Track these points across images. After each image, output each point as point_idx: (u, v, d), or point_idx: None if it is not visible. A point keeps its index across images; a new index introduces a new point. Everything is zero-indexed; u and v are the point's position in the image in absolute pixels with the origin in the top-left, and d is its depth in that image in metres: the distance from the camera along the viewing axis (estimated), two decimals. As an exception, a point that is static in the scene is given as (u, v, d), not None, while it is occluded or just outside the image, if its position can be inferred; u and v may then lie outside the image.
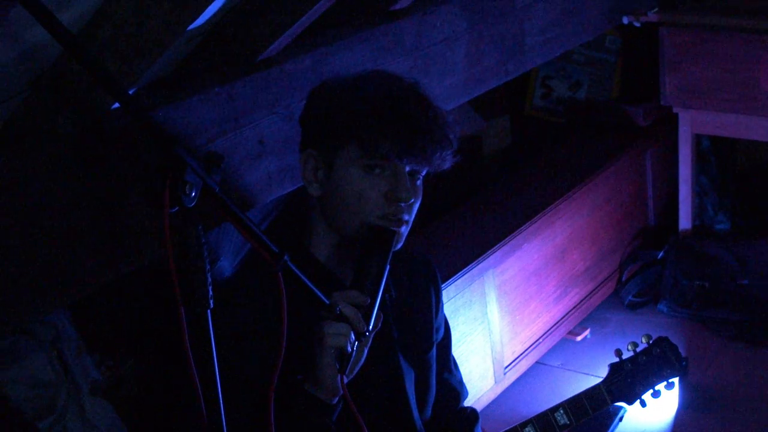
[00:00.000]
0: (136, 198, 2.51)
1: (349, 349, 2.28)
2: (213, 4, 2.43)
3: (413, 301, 2.79)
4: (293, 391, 2.31)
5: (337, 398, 2.34)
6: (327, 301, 2.24)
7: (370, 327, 2.32)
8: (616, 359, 3.14)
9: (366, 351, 2.35)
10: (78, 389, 2.98)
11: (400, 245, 2.53)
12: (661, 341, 3.17)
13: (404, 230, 2.52)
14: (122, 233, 2.52)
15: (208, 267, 1.90)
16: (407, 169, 2.48)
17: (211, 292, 1.90)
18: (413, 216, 2.55)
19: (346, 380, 2.30)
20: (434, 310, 2.85)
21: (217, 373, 1.93)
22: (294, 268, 2.10)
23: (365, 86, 2.51)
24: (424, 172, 2.54)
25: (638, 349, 3.14)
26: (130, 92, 2.66)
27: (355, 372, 2.35)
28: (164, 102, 2.68)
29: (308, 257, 2.58)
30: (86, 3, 2.22)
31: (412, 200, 2.50)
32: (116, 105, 2.53)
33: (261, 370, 2.26)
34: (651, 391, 3.12)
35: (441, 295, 2.91)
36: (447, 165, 2.55)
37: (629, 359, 3.13)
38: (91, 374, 3.04)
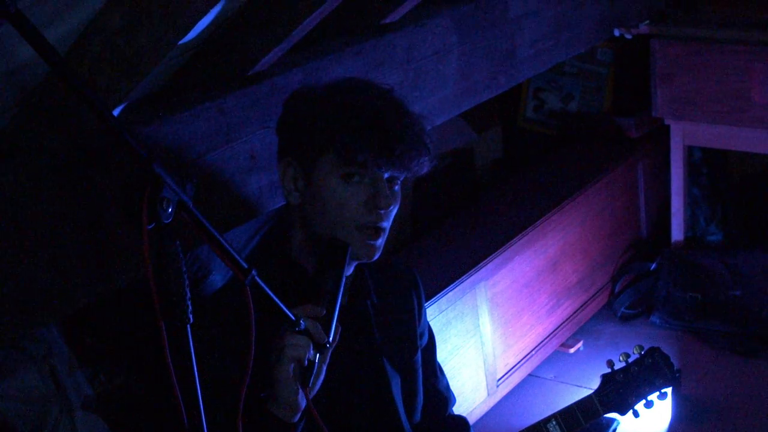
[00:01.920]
0: (118, 215, 2.51)
1: (307, 362, 2.26)
2: (204, 18, 2.43)
3: (395, 307, 2.80)
4: (255, 410, 2.29)
5: (298, 416, 2.31)
6: (293, 318, 2.23)
7: (330, 338, 2.31)
8: (608, 370, 3.14)
9: (325, 367, 2.33)
10: (69, 404, 2.97)
11: (377, 257, 2.56)
12: (653, 351, 3.16)
13: (382, 240, 2.54)
14: (107, 251, 2.52)
15: (186, 282, 1.90)
16: (386, 175, 2.49)
17: (190, 307, 1.90)
18: (391, 222, 2.56)
19: (310, 395, 2.28)
20: (417, 315, 2.86)
21: (198, 386, 1.93)
22: (262, 284, 2.10)
23: (340, 94, 2.52)
24: (401, 178, 2.55)
25: (630, 360, 3.14)
26: (121, 107, 2.66)
27: (317, 389, 2.32)
28: (154, 117, 2.68)
29: (293, 265, 2.59)
30: (76, 18, 2.22)
31: (392, 207, 2.51)
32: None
33: (232, 386, 2.26)
34: (644, 401, 3.12)
35: (423, 300, 2.91)
36: (425, 170, 2.55)
37: (621, 370, 3.13)
38: (83, 389, 3.03)
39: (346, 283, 2.62)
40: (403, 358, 2.77)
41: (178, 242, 1.91)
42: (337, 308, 2.36)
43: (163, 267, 1.90)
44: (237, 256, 2.06)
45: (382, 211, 2.48)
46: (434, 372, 2.96)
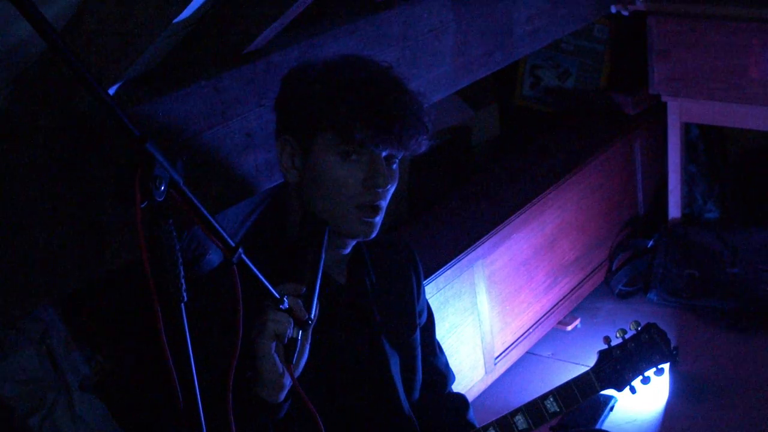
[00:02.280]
0: (111, 195, 2.50)
1: (288, 339, 2.25)
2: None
3: (394, 285, 2.80)
4: (243, 390, 2.28)
5: (283, 395, 2.30)
6: (278, 295, 2.22)
7: (312, 315, 2.30)
8: (605, 346, 3.14)
9: (308, 345, 2.32)
10: (67, 385, 2.97)
11: (374, 235, 2.56)
12: (650, 327, 3.16)
13: (379, 218, 2.54)
14: (101, 231, 2.52)
15: (180, 261, 1.89)
16: (384, 154, 2.48)
17: (185, 286, 1.89)
18: (388, 200, 2.56)
19: (295, 373, 2.28)
20: (416, 293, 2.86)
21: (193, 365, 1.93)
22: (248, 262, 2.09)
23: (339, 71, 2.51)
24: (399, 156, 2.55)
25: (627, 336, 3.14)
26: (116, 86, 2.65)
27: (301, 366, 2.31)
28: (150, 96, 2.67)
29: (289, 245, 2.58)
30: (70, -3, 2.21)
31: (389, 186, 2.51)
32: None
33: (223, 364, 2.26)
34: (641, 377, 3.12)
35: (422, 278, 2.91)
36: (423, 149, 2.55)
37: (618, 346, 3.13)
38: (81, 370, 3.03)
39: (345, 261, 2.64)
40: (402, 337, 2.77)
41: (171, 220, 1.91)
42: (318, 284, 2.35)
43: (157, 246, 1.89)
44: (224, 234, 2.05)
45: (380, 190, 2.48)
46: (433, 350, 2.97)
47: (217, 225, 2.03)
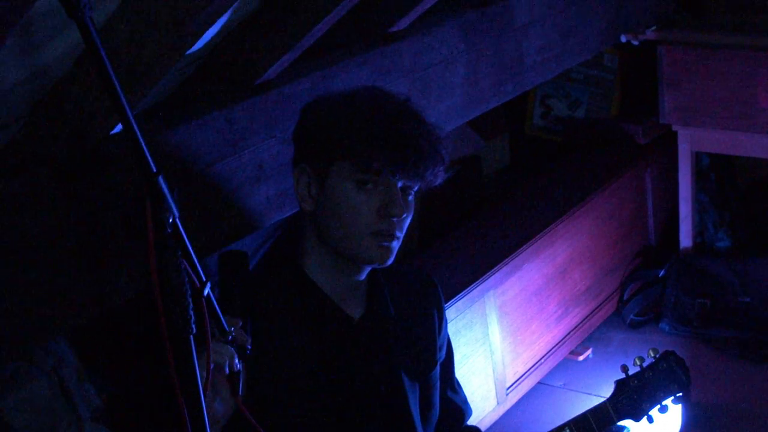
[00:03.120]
0: (119, 228, 2.51)
1: (230, 371, 2.23)
2: (211, 28, 2.43)
3: (415, 319, 2.79)
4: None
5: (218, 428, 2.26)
6: (227, 328, 2.21)
7: (249, 346, 2.29)
8: (622, 376, 3.12)
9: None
10: (79, 415, 2.97)
11: (391, 261, 2.56)
12: (668, 355, 3.14)
13: (395, 245, 2.54)
14: (111, 264, 2.52)
15: (189, 292, 1.90)
16: (399, 184, 2.49)
17: (193, 318, 1.90)
18: (404, 231, 2.56)
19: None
20: (437, 327, 2.85)
21: (202, 395, 1.93)
22: (212, 297, 2.09)
23: (358, 102, 2.54)
24: (416, 188, 2.56)
25: (644, 364, 3.12)
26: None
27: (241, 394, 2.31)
28: (162, 127, 2.68)
29: (302, 276, 2.60)
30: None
31: (405, 215, 2.51)
32: (114, 131, 2.53)
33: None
34: (658, 406, 3.10)
35: (444, 313, 2.90)
36: (439, 181, 2.57)
37: (635, 375, 3.11)
38: (92, 400, 3.03)
39: (361, 290, 2.65)
40: (421, 371, 2.76)
41: (180, 252, 1.92)
42: (248, 318, 2.35)
43: (166, 279, 1.90)
44: (200, 269, 2.05)
45: (395, 219, 2.49)
46: (452, 385, 2.96)
47: (195, 259, 2.03)
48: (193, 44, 2.41)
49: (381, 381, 2.65)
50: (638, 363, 3.13)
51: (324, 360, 2.56)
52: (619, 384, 3.11)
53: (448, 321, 3.75)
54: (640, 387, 3.08)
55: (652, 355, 3.12)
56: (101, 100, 2.33)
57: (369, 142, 2.44)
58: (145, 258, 1.89)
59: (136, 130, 1.86)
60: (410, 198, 2.55)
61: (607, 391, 3.16)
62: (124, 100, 1.82)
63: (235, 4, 2.44)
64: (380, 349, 2.66)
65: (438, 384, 2.83)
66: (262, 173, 2.94)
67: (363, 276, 2.64)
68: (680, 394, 3.12)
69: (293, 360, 2.52)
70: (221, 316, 2.16)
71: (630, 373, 3.12)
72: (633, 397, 3.07)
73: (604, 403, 3.07)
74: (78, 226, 2.44)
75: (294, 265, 2.61)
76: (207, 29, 2.36)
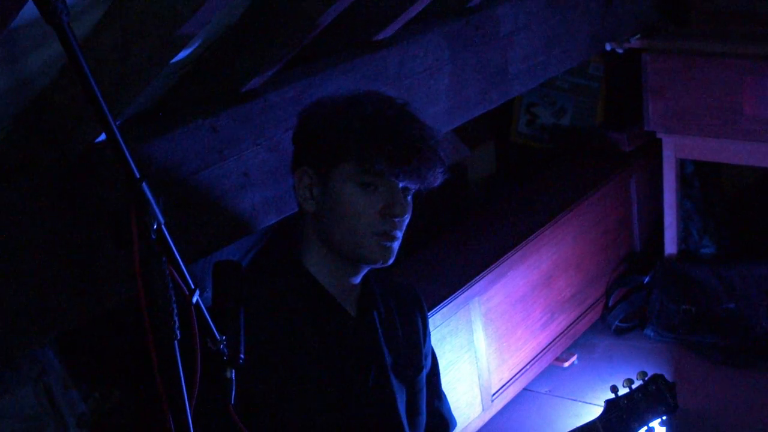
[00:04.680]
0: (105, 235, 2.51)
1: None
2: (196, 36, 2.44)
3: (402, 322, 2.81)
4: None
5: None
6: (219, 336, 2.22)
7: (242, 355, 2.29)
8: (611, 395, 3.14)
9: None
10: (64, 422, 2.98)
11: (392, 260, 2.59)
12: (657, 378, 3.16)
13: (396, 245, 2.58)
14: (95, 271, 2.53)
15: (173, 298, 1.91)
16: (401, 185, 2.53)
17: (177, 323, 1.91)
18: (404, 231, 2.60)
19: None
20: (422, 336, 2.86)
21: (186, 401, 1.94)
22: (202, 305, 2.10)
23: (359, 105, 2.57)
24: (414, 189, 2.59)
25: (633, 386, 3.14)
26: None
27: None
28: (147, 135, 2.69)
29: (304, 273, 2.62)
30: (69, 38, 2.22)
31: (405, 216, 2.56)
32: (98, 139, 2.53)
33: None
34: (645, 428, 3.12)
35: (428, 323, 2.92)
36: (438, 182, 2.61)
37: (625, 396, 3.13)
38: (78, 407, 3.03)
39: (355, 293, 2.68)
40: (409, 374, 2.78)
41: (164, 259, 1.93)
42: (242, 323, 2.35)
43: (151, 284, 1.91)
44: (188, 276, 2.06)
45: (397, 219, 2.53)
46: (438, 395, 2.97)
47: (183, 266, 2.04)
48: (179, 52, 2.41)
49: (372, 384, 2.67)
50: (627, 385, 3.15)
51: (323, 354, 2.59)
52: (609, 404, 3.12)
53: (434, 328, 3.78)
54: (629, 408, 3.10)
55: (641, 377, 3.15)
56: (85, 109, 2.33)
57: (372, 145, 2.48)
58: (130, 265, 1.90)
59: (118, 137, 1.87)
60: (409, 199, 2.59)
61: (592, 398, 3.18)
62: (104, 106, 1.83)
63: (221, 13, 2.45)
64: (370, 348, 2.69)
65: (424, 391, 2.85)
66: (247, 180, 2.95)
67: (358, 279, 2.66)
68: (666, 416, 3.15)
69: (292, 354, 2.55)
70: (212, 324, 2.17)
71: (619, 393, 3.13)
72: (622, 417, 3.09)
73: (594, 422, 3.08)
74: (63, 234, 2.45)
75: (296, 263, 2.63)
76: (193, 38, 2.37)
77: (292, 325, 2.57)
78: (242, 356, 2.28)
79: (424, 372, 2.86)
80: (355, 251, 2.55)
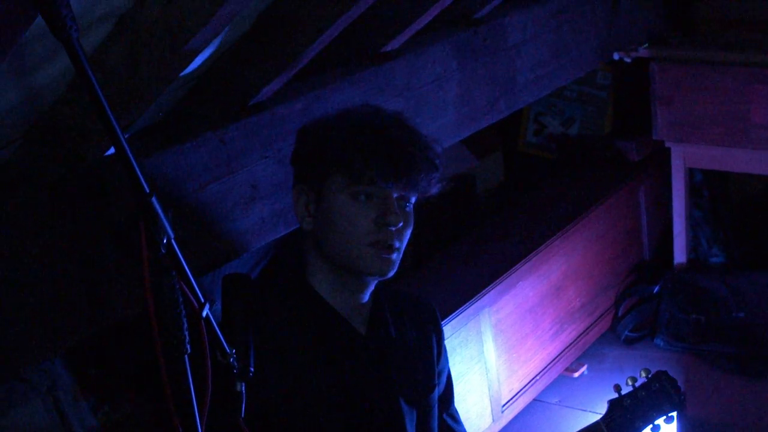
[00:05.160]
0: (114, 249, 2.52)
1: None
2: (204, 50, 2.44)
3: (414, 341, 2.78)
4: None
5: None
6: (228, 350, 2.22)
7: (252, 368, 2.29)
8: (615, 395, 3.12)
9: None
10: (74, 435, 2.98)
11: (392, 273, 2.56)
12: (660, 375, 3.13)
13: (396, 257, 2.54)
14: (104, 284, 2.53)
15: (183, 312, 1.91)
16: (395, 194, 2.50)
17: (188, 337, 1.91)
18: (404, 243, 2.57)
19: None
20: (435, 354, 2.83)
21: (197, 414, 1.94)
22: (212, 318, 2.10)
23: (348, 117, 2.57)
24: (413, 199, 2.57)
25: (637, 384, 3.12)
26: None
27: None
28: (156, 148, 2.69)
29: (307, 289, 2.60)
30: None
31: (401, 224, 2.52)
32: (109, 152, 2.54)
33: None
34: (651, 426, 3.10)
35: (443, 341, 2.89)
36: (434, 190, 2.58)
37: (628, 395, 3.10)
38: (88, 420, 3.04)
39: (365, 310, 2.66)
40: (420, 396, 2.75)
41: (174, 273, 1.93)
42: (251, 341, 2.35)
43: (161, 298, 1.91)
44: (197, 290, 2.06)
45: (392, 228, 2.49)
46: (452, 415, 2.94)
47: (192, 280, 2.04)
48: (188, 66, 2.42)
49: (378, 400, 2.64)
50: (631, 383, 3.12)
51: (331, 373, 2.57)
52: (613, 403, 3.10)
53: (444, 339, 3.76)
54: (634, 406, 3.08)
55: (645, 375, 3.12)
56: (95, 122, 2.34)
57: (359, 154, 2.46)
58: (140, 278, 1.90)
59: (128, 152, 1.87)
60: (408, 209, 2.56)
61: (602, 408, 3.16)
62: (113, 121, 1.83)
63: (229, 26, 2.46)
64: (380, 371, 2.66)
65: (435, 410, 2.82)
66: (256, 193, 2.95)
67: (367, 296, 2.64)
68: (672, 413, 3.12)
69: (300, 373, 2.53)
70: (222, 337, 2.17)
71: (623, 392, 3.11)
72: (626, 417, 3.06)
73: (597, 422, 3.07)
74: (73, 247, 2.45)
75: (302, 281, 2.61)
76: (201, 51, 2.37)
77: (300, 343, 2.55)
78: (252, 369, 2.28)
79: (436, 391, 2.83)
80: (352, 263, 2.53)
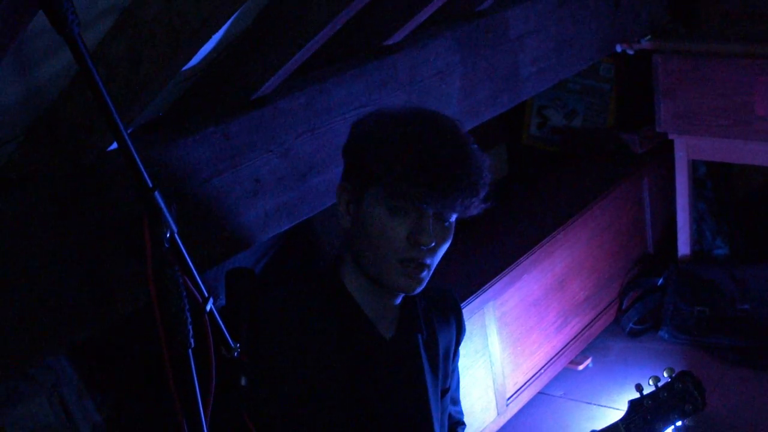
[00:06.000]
0: (118, 244, 2.51)
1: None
2: (207, 44, 2.44)
3: (440, 341, 2.74)
4: None
5: None
6: (232, 344, 2.21)
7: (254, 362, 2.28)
8: (630, 396, 3.08)
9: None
10: (79, 431, 2.98)
11: (419, 290, 2.50)
12: (684, 375, 3.07)
13: (425, 274, 2.49)
14: (108, 280, 2.53)
15: (187, 307, 1.92)
16: (431, 211, 2.42)
17: (191, 332, 1.91)
18: (437, 259, 2.50)
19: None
20: (452, 352, 2.81)
21: (201, 408, 1.94)
22: (216, 313, 2.10)
23: (402, 124, 2.45)
24: (453, 217, 2.49)
25: (659, 384, 3.07)
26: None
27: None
28: (159, 142, 2.69)
29: (338, 286, 2.56)
30: (79, 47, 2.23)
31: (433, 244, 2.44)
32: (111, 147, 2.54)
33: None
34: (672, 427, 3.06)
35: (464, 329, 2.86)
36: (474, 211, 2.48)
37: (649, 395, 3.04)
38: (93, 416, 3.03)
39: (395, 311, 2.62)
40: (438, 394, 2.73)
41: (177, 267, 1.93)
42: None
43: (164, 293, 1.92)
44: (201, 285, 2.06)
45: (424, 248, 2.43)
46: (454, 398, 2.94)
47: (196, 274, 2.04)
48: (190, 60, 2.41)
49: (404, 409, 2.62)
50: (653, 383, 3.07)
51: (351, 376, 2.53)
52: (633, 404, 3.06)
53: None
54: (654, 408, 3.03)
55: (668, 375, 3.06)
56: (97, 118, 2.34)
57: (400, 170, 2.36)
58: (144, 273, 1.90)
59: (131, 147, 1.87)
60: (446, 224, 2.48)
61: (607, 400, 3.15)
62: (116, 116, 1.84)
63: (231, 20, 2.45)
64: (409, 372, 2.63)
65: (448, 407, 2.83)
66: (259, 187, 2.94)
67: (398, 300, 2.60)
68: (693, 414, 3.07)
69: (318, 372, 2.50)
70: (225, 332, 2.16)
71: (644, 392, 3.07)
72: (646, 418, 3.02)
73: (616, 423, 3.03)
74: (77, 243, 2.45)
75: (335, 279, 2.57)
76: (203, 45, 2.37)
77: (322, 340, 2.51)
78: (253, 364, 2.28)
79: (449, 393, 2.82)
80: (380, 275, 2.47)
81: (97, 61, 2.27)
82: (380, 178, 2.40)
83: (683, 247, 5.22)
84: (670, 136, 5.05)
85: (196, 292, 2.06)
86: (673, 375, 3.06)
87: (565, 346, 4.71)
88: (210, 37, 2.34)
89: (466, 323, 2.86)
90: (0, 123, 2.27)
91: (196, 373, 2.00)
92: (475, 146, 2.48)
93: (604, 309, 5.01)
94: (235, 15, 2.40)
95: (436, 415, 2.68)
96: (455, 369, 2.87)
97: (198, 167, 2.76)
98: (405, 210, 2.41)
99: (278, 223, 3.03)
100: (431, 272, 2.51)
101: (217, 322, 2.14)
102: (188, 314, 1.93)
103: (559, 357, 4.67)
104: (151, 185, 1.89)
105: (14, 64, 2.08)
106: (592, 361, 4.89)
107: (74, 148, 2.45)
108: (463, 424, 2.98)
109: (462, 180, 2.38)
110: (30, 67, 2.16)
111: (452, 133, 2.46)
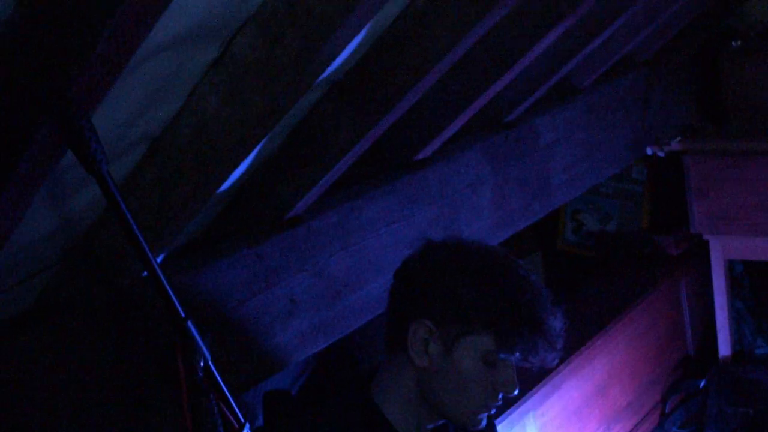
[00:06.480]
0: (153, 375, 2.51)
1: None
2: (238, 167, 2.45)
3: None
4: None
5: None
6: None
7: None
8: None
9: None
10: None
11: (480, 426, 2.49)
12: None
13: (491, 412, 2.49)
14: (146, 408, 2.52)
15: None
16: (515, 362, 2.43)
17: None
18: None
19: None
20: None
21: None
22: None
23: (496, 273, 2.43)
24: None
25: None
26: (159, 258, 2.67)
27: None
28: (192, 267, 2.70)
29: (370, 407, 2.49)
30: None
31: (516, 393, 2.47)
32: (145, 274, 2.55)
33: None
34: None
35: None
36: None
37: None
38: None
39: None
40: None
41: (212, 395, 1.93)
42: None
43: (200, 422, 1.92)
44: (237, 410, 2.06)
45: (501, 396, 2.44)
46: None
47: (232, 401, 2.04)
48: (221, 186, 2.43)
49: None
50: None
51: None
52: None
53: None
54: None
55: None
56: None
57: (516, 327, 2.35)
58: (179, 402, 1.90)
59: (162, 278, 1.88)
60: None
61: None
62: (148, 252, 1.85)
63: (262, 142, 2.47)
64: None
65: None
66: (294, 307, 2.94)
67: (438, 423, 2.56)
68: None
69: None
70: None
71: None
72: None
73: None
74: (112, 370, 2.45)
75: (365, 397, 2.51)
76: (233, 171, 2.38)
77: None
78: None
79: None
80: (453, 416, 2.45)
81: (128, 191, 2.30)
82: (494, 332, 2.37)
83: (724, 348, 5.17)
84: (705, 237, 5.03)
85: (232, 419, 2.05)
86: None
87: (609, 453, 4.67)
88: (240, 163, 2.36)
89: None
90: (34, 254, 2.28)
91: None
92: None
93: (647, 414, 4.96)
94: (264, 140, 2.42)
95: None
96: None
97: (232, 289, 2.76)
98: (501, 361, 2.40)
99: (314, 343, 3.02)
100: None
101: None
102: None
103: (603, 465, 4.62)
104: (183, 315, 1.89)
105: (46, 198, 2.09)
106: (638, 467, 4.83)
107: (109, 275, 2.46)
108: None
109: (557, 341, 2.41)
110: (63, 199, 2.17)
111: (545, 289, 2.48)
